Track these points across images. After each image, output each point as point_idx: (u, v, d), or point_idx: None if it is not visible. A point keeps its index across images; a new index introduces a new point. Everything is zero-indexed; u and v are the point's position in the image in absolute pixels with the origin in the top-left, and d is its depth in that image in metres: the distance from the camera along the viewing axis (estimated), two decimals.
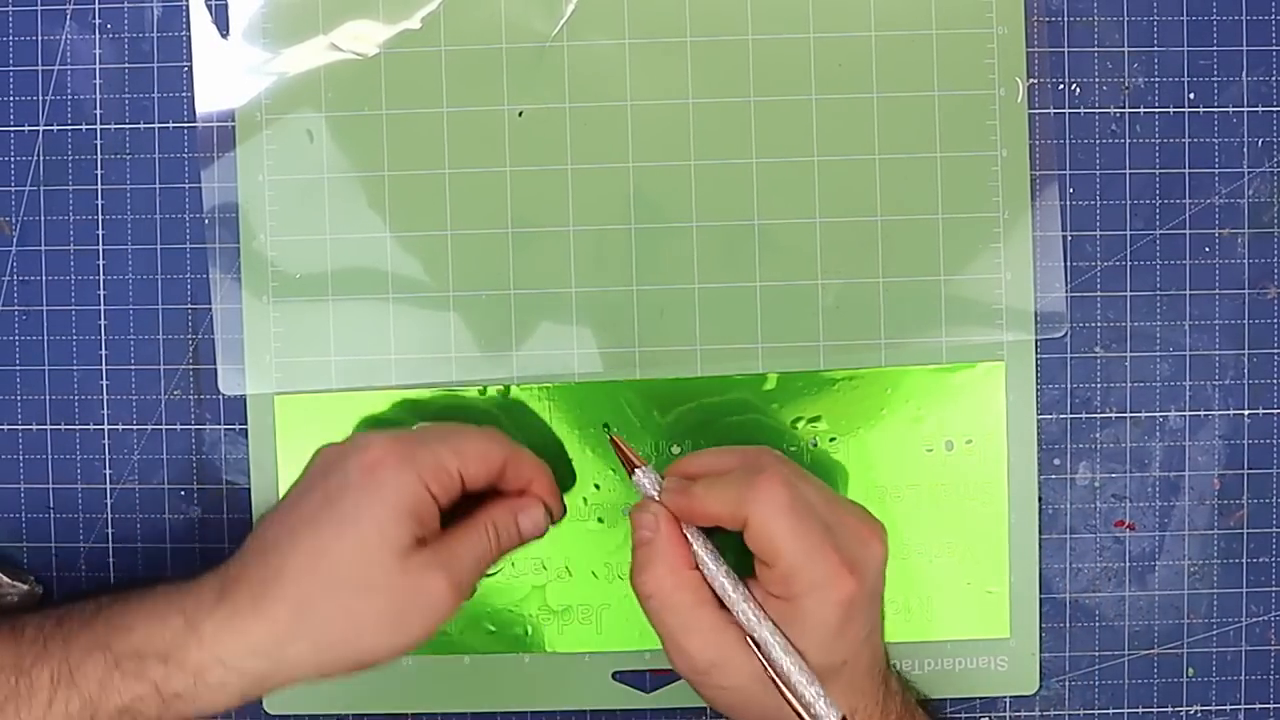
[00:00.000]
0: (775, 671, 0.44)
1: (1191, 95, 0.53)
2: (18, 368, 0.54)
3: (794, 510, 0.43)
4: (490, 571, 0.53)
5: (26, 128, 0.54)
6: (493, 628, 0.54)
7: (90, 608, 0.45)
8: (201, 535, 0.54)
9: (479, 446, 0.47)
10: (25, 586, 0.53)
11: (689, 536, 0.46)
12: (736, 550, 0.46)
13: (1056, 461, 0.54)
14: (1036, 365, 0.53)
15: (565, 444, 0.53)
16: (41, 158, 0.54)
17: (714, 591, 0.45)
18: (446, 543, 0.46)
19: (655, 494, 0.47)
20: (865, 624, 0.45)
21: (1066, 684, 0.54)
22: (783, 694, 0.44)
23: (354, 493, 0.45)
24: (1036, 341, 0.53)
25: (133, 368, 0.54)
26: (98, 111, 0.54)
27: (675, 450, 0.53)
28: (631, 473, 0.48)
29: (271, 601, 0.44)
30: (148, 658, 0.43)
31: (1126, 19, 0.53)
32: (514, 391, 0.53)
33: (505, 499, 0.48)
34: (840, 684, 0.45)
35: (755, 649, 0.44)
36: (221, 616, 0.44)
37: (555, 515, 0.49)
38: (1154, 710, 0.54)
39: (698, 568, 0.46)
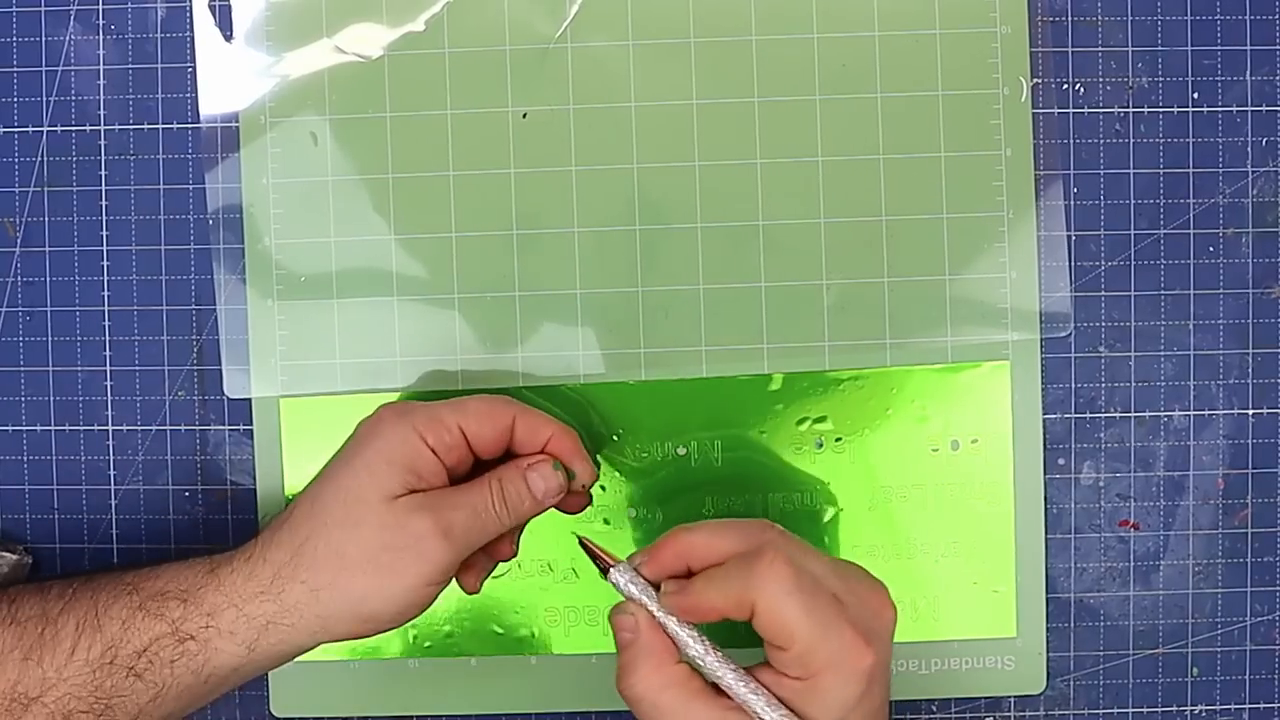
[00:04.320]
0: None
1: (1195, 95, 0.53)
2: (22, 369, 0.54)
3: (801, 589, 0.41)
4: (497, 573, 0.53)
5: (30, 128, 0.54)
6: (499, 629, 0.54)
7: (120, 567, 0.47)
8: (206, 536, 0.54)
9: (483, 404, 0.47)
10: (15, 556, 0.53)
11: (678, 627, 0.43)
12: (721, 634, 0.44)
13: (1061, 461, 0.54)
14: (1041, 365, 0.53)
15: None
16: (45, 158, 0.54)
17: (707, 682, 0.43)
18: (442, 493, 0.46)
19: (634, 591, 0.44)
20: (880, 694, 0.43)
21: (1071, 684, 0.54)
22: None
23: (351, 445, 0.47)
24: (1041, 341, 0.53)
25: (137, 369, 0.54)
26: (101, 112, 0.54)
27: (680, 452, 0.53)
28: (605, 573, 0.45)
29: (275, 546, 0.46)
30: (170, 598, 0.45)
31: (1130, 19, 0.53)
32: (519, 393, 0.53)
33: (515, 460, 0.48)
34: None
35: None
36: (238, 564, 0.46)
37: (584, 478, 0.48)
38: (1158, 710, 0.54)
39: (684, 662, 0.43)
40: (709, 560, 0.43)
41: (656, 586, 0.44)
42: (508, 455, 0.49)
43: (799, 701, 0.42)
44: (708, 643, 0.43)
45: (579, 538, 0.46)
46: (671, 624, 0.43)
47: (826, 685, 0.41)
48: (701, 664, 0.43)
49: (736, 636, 0.43)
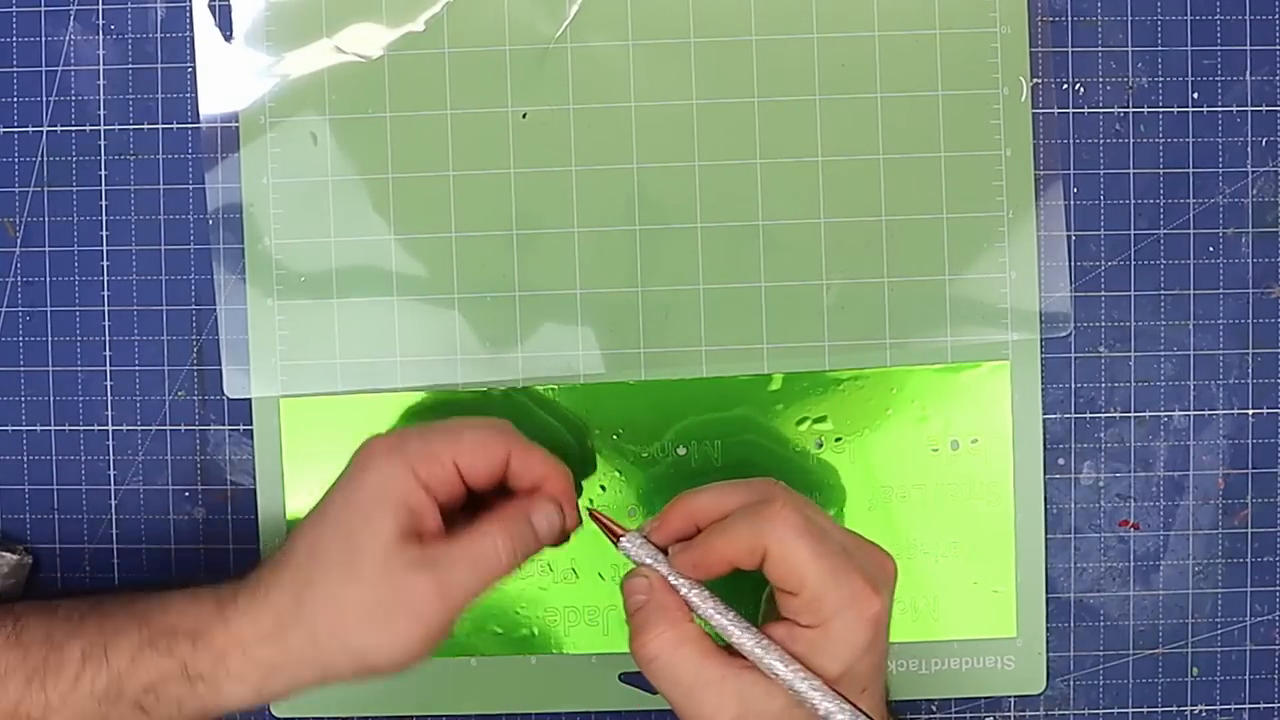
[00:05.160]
0: (804, 703, 0.42)
1: (1195, 95, 0.54)
2: (22, 369, 0.54)
3: (811, 534, 0.42)
4: None
5: (30, 128, 0.54)
6: (499, 629, 0.54)
7: (128, 592, 0.47)
8: (206, 536, 0.54)
9: (479, 436, 0.46)
10: (15, 556, 0.53)
11: (689, 589, 0.44)
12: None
13: (1061, 461, 0.54)
14: (1041, 365, 0.53)
15: (569, 446, 0.53)
16: (45, 158, 0.54)
17: (720, 642, 0.44)
18: (444, 546, 0.45)
19: (644, 556, 0.45)
20: (884, 646, 0.44)
21: (1071, 684, 0.54)
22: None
23: (346, 484, 0.46)
24: (1041, 341, 0.53)
25: (137, 369, 0.54)
26: (101, 112, 0.54)
27: (681, 452, 0.53)
28: (616, 542, 0.46)
29: (278, 589, 0.45)
30: (179, 635, 0.44)
31: (1130, 19, 0.53)
32: (518, 393, 0.53)
33: (515, 501, 0.47)
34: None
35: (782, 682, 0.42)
36: (244, 602, 0.45)
37: (569, 524, 0.47)
38: (1158, 710, 0.54)
39: (694, 621, 0.44)
40: (716, 517, 0.44)
41: (665, 552, 0.45)
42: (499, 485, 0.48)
43: (811, 651, 0.43)
44: (720, 602, 0.44)
45: (589, 510, 0.47)
46: (683, 585, 0.44)
47: (836, 631, 0.42)
48: (714, 623, 0.44)
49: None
